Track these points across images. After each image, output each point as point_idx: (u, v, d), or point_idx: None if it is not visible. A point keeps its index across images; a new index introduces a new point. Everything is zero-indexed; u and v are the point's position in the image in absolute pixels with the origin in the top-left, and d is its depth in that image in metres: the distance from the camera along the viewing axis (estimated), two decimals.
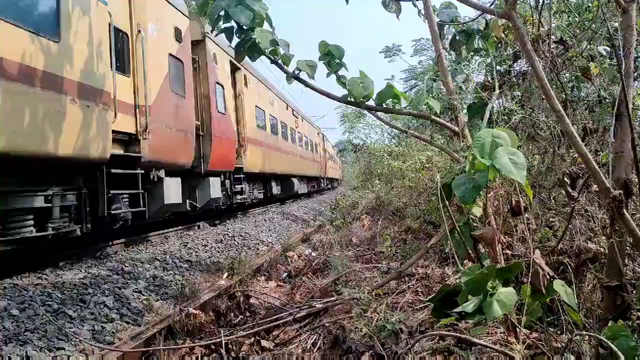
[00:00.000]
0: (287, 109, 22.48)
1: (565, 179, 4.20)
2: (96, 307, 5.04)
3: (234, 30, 4.45)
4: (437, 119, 4.84)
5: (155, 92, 8.38)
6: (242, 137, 14.18)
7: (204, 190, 11.17)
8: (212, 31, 10.68)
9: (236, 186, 13.83)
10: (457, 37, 5.43)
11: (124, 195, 7.54)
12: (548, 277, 2.91)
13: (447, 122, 5.09)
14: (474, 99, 5.20)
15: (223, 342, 4.19)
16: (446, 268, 5.20)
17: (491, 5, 4.94)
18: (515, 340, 3.10)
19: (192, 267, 7.42)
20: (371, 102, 4.58)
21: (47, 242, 6.20)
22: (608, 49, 4.75)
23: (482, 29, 5.29)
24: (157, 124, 8.29)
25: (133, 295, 5.65)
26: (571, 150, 4.67)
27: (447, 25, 5.46)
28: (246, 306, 5.68)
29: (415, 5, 5.46)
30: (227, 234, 10.59)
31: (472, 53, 5.60)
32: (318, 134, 33.76)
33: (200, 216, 12.70)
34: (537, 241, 4.33)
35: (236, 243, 9.95)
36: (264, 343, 4.43)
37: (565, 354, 2.60)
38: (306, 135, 27.38)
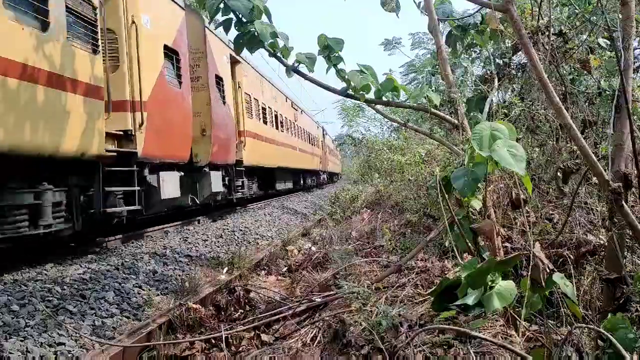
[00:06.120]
0: None
1: (558, 173, 4.21)
2: (96, 302, 5.04)
3: (233, 22, 4.43)
4: (437, 111, 4.82)
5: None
6: None
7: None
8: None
9: None
10: (453, 33, 5.40)
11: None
12: (548, 270, 2.91)
13: (447, 115, 5.08)
14: (473, 92, 5.19)
15: (223, 336, 4.19)
16: (446, 261, 5.19)
17: None
18: (515, 333, 3.10)
19: (192, 262, 7.41)
20: (371, 95, 4.56)
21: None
22: (607, 41, 4.74)
23: (478, 23, 5.27)
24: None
25: (133, 290, 5.64)
26: (569, 144, 4.67)
27: (443, 22, 5.43)
28: (246, 300, 5.68)
29: (414, 2, 5.42)
30: (227, 229, 10.59)
31: (466, 48, 5.59)
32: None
33: (200, 211, 12.67)
34: (537, 234, 4.33)
35: (236, 237, 9.95)
36: (264, 337, 4.44)
37: (564, 347, 2.60)
38: None
